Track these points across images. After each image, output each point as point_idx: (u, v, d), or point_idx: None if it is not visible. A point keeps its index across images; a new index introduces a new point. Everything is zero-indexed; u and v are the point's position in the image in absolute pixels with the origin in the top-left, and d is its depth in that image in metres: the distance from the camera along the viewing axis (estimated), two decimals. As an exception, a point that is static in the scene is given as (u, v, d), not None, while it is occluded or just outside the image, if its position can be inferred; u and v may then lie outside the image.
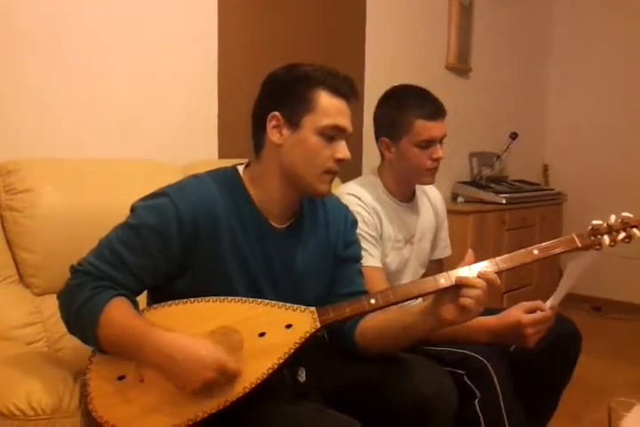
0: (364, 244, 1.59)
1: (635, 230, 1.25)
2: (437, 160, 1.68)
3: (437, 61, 3.28)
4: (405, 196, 1.78)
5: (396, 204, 1.75)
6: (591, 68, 4.01)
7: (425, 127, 1.63)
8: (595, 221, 1.26)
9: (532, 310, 1.42)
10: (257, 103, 1.28)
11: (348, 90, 1.25)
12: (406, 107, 1.65)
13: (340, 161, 1.24)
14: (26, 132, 1.76)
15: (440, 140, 1.68)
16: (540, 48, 4.09)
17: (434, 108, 1.65)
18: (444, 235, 1.94)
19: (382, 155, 1.75)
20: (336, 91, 1.22)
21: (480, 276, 1.17)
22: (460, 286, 1.16)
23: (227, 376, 1.10)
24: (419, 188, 1.83)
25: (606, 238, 1.24)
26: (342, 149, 1.24)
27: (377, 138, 1.75)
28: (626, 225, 1.26)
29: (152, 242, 1.17)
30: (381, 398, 1.25)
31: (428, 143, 1.65)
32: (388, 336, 1.29)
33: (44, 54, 1.78)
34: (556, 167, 4.16)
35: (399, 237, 1.74)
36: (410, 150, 1.66)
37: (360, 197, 1.67)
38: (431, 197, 1.90)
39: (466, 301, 1.14)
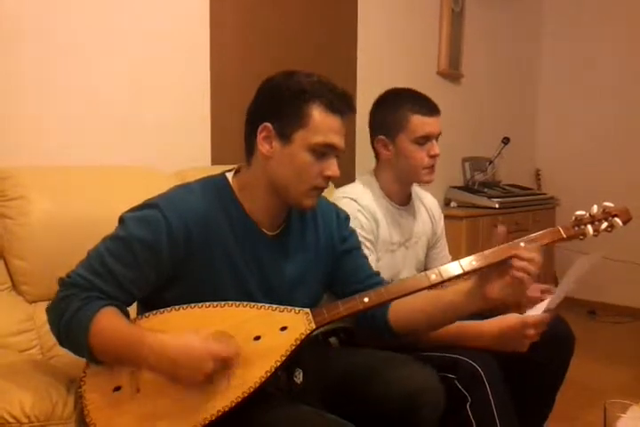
0: None
1: (616, 219, 1.28)
2: (435, 157, 1.69)
3: (429, 68, 3.30)
4: (402, 198, 1.79)
5: (393, 207, 1.75)
6: (582, 72, 4.04)
7: (421, 122, 1.65)
8: (578, 212, 1.28)
9: None
10: (250, 108, 1.26)
11: (345, 106, 1.22)
12: (402, 104, 1.67)
13: (328, 178, 1.23)
14: (17, 139, 1.76)
15: (436, 137, 1.69)
16: (530, 54, 4.11)
17: (429, 105, 1.68)
18: (444, 241, 1.94)
19: (379, 155, 1.75)
20: (332, 107, 1.19)
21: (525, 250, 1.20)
22: (504, 263, 1.19)
23: (225, 363, 1.10)
24: (414, 193, 1.83)
25: (590, 228, 1.27)
26: (332, 167, 1.21)
27: (372, 138, 1.75)
28: (607, 214, 1.28)
29: (142, 254, 1.15)
30: (369, 392, 1.25)
31: (425, 139, 1.67)
32: (428, 317, 1.31)
33: (34, 60, 1.78)
34: (549, 172, 4.18)
35: (394, 239, 1.74)
36: (407, 147, 1.67)
37: (357, 200, 1.67)
38: (426, 202, 1.89)
39: (518, 273, 1.18)
